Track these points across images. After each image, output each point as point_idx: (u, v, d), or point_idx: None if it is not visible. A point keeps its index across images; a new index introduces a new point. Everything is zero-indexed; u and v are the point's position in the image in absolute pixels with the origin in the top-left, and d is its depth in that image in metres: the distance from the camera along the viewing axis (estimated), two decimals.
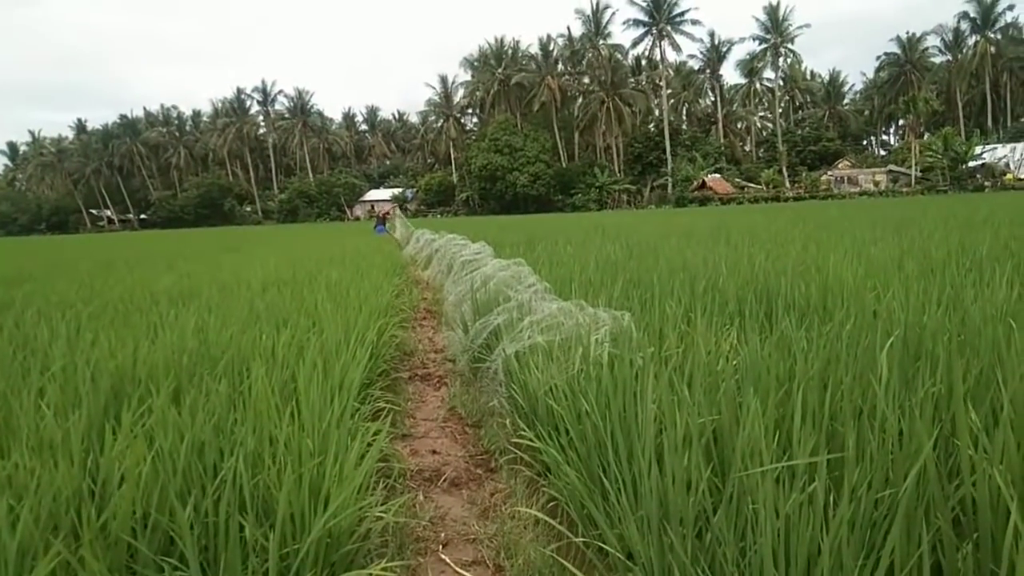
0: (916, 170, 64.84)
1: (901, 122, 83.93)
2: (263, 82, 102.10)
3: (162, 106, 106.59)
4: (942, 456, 2.00)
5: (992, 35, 74.01)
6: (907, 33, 78.25)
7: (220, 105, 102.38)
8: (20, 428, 2.50)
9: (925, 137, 69.75)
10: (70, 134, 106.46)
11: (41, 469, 2.05)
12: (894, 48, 77.77)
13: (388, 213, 33.91)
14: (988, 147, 65.42)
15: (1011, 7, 76.40)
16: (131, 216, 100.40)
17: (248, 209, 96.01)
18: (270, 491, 2.16)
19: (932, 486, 1.71)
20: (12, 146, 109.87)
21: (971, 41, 75.22)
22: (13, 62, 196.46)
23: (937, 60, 78.61)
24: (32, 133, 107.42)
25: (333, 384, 3.09)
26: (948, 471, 1.95)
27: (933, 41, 77.33)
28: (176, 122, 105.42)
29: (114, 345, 3.83)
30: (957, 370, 2.06)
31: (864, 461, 1.86)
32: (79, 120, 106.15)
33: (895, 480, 1.77)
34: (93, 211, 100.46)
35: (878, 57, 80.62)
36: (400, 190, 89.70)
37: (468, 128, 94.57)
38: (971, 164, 62.11)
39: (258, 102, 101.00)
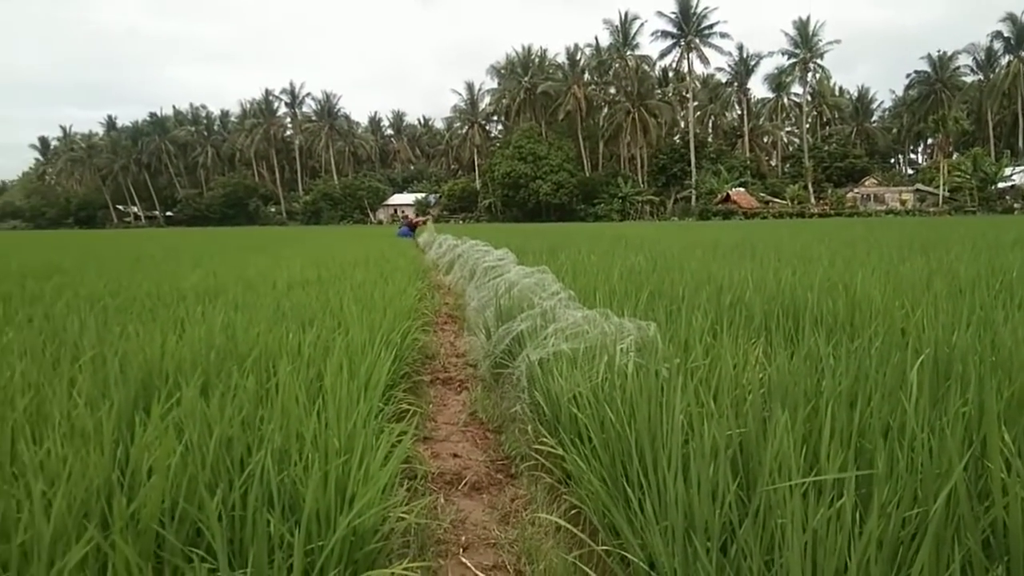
0: (944, 190, 64.18)
1: (930, 141, 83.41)
2: (291, 84, 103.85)
3: (191, 105, 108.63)
4: (972, 477, 1.98)
5: None
6: (938, 51, 77.77)
7: (248, 106, 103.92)
8: (52, 416, 2.53)
9: (954, 157, 69.00)
10: (100, 130, 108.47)
11: (73, 457, 2.08)
12: (924, 66, 77.32)
13: (419, 222, 33.89)
14: (1018, 169, 64.58)
15: None
16: (157, 213, 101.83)
17: (273, 210, 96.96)
18: (296, 487, 2.18)
19: (962, 507, 1.69)
20: (43, 141, 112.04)
21: (1004, 61, 74.47)
22: (47, 59, 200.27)
23: (968, 79, 77.88)
24: (63, 128, 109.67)
25: (359, 384, 3.11)
26: (978, 492, 1.93)
27: (965, 60, 76.80)
28: (204, 121, 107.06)
29: (142, 338, 3.87)
30: (989, 390, 2.03)
31: (893, 479, 1.85)
32: (109, 117, 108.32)
33: (924, 499, 1.76)
34: (120, 207, 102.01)
35: (908, 75, 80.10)
36: (423, 195, 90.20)
37: (493, 135, 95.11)
38: (1000, 185, 61.41)
39: (286, 104, 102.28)
